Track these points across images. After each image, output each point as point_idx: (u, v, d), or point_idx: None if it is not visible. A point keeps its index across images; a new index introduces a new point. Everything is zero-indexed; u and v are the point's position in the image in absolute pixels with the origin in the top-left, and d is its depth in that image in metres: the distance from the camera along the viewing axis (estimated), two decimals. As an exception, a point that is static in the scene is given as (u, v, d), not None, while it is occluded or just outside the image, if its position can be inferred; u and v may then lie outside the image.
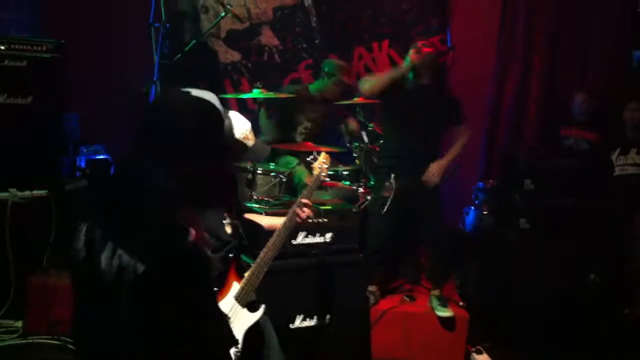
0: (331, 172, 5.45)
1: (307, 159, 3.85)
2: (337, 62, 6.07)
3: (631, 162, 5.53)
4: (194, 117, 2.01)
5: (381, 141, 5.53)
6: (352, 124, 5.84)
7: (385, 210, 4.85)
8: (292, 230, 3.54)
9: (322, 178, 3.74)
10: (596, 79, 6.64)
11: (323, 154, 3.81)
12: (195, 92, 2.06)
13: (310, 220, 3.67)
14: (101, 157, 6.48)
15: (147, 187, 1.92)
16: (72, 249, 1.94)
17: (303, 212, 3.46)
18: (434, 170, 4.87)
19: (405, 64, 4.96)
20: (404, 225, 5.13)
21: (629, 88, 6.39)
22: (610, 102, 6.32)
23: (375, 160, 5.49)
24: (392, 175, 4.92)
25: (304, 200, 3.48)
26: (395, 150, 5.08)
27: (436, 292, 4.96)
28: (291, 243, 4.17)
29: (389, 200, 4.86)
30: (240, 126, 3.15)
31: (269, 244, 3.31)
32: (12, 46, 5.19)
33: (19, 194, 5.08)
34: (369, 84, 5.04)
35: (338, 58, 6.36)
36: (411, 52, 4.92)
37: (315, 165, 3.73)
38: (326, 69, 5.96)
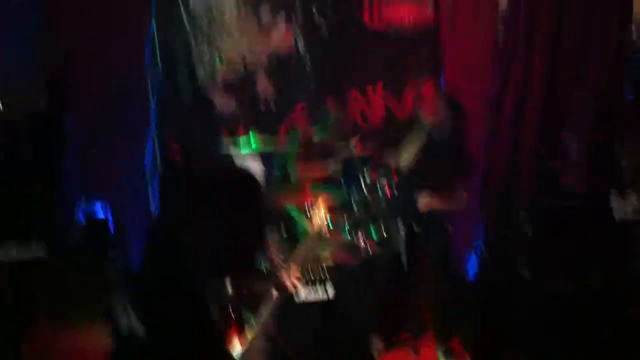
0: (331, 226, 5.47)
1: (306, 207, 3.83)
2: (333, 114, 6.16)
3: (630, 206, 5.53)
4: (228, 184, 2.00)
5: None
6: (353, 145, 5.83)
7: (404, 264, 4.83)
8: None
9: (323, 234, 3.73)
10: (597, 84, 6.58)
11: (320, 200, 3.80)
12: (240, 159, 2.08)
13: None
14: (99, 208, 6.43)
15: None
16: None
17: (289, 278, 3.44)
18: (424, 202, 4.83)
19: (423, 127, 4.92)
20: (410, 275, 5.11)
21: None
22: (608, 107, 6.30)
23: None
24: (400, 219, 4.91)
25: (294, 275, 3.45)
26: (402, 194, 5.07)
27: (441, 346, 4.93)
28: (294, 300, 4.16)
29: (402, 248, 4.85)
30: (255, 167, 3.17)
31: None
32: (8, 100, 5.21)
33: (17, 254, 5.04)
34: (405, 160, 5.03)
35: (333, 101, 6.37)
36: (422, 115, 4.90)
37: (313, 219, 3.73)
38: (324, 119, 6.01)
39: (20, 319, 5.05)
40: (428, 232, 4.89)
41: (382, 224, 5.54)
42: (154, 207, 6.76)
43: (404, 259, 4.90)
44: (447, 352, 4.88)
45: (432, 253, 4.92)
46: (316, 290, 4.34)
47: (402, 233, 4.94)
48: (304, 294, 4.26)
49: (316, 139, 6.02)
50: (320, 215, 3.76)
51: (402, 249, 4.92)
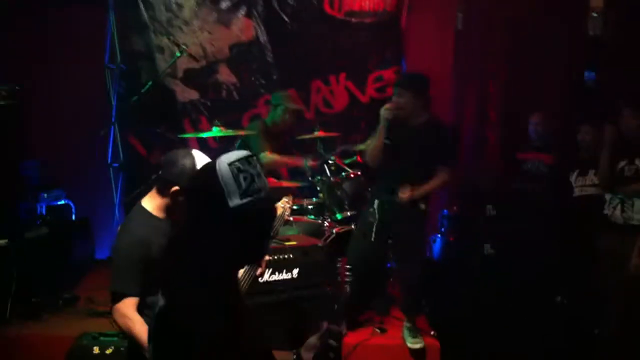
0: (296, 207, 5.46)
1: None
2: (283, 93, 6.11)
3: (590, 182, 5.61)
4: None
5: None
6: (310, 163, 5.81)
7: (373, 236, 4.81)
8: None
9: (285, 218, 3.72)
10: (551, 102, 6.76)
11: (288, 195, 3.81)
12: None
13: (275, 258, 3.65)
14: (62, 202, 6.39)
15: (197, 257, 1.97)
16: None
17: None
18: (405, 193, 4.82)
19: (381, 120, 4.89)
20: (380, 253, 5.11)
21: (582, 109, 6.52)
22: (564, 124, 6.43)
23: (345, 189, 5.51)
24: (376, 202, 4.89)
25: None
26: (380, 179, 5.04)
27: (408, 323, 4.94)
28: (258, 281, 4.12)
29: (374, 226, 4.83)
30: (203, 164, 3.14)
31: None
32: (-33, 95, 5.13)
33: (-22, 244, 4.98)
34: (369, 157, 5.01)
35: (296, 92, 6.35)
36: (382, 111, 4.87)
37: (278, 204, 3.71)
38: (274, 102, 6.02)
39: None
40: (403, 211, 4.86)
41: (347, 207, 5.56)
42: (116, 199, 6.73)
43: (372, 238, 4.86)
44: (413, 330, 4.87)
45: (407, 232, 4.89)
46: (281, 271, 4.32)
47: (374, 215, 4.91)
48: (268, 274, 4.23)
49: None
50: (283, 202, 3.76)
51: (372, 229, 4.89)
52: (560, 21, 6.78)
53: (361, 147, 5.38)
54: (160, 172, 3.15)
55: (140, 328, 2.91)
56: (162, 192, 3.15)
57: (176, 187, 3.07)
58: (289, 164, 6.04)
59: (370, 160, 5.01)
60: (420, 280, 4.96)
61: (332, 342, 3.38)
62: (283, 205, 3.72)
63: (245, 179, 1.97)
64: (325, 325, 2.46)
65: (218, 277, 2.03)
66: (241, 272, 3.30)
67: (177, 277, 2.00)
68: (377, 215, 4.86)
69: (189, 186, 2.09)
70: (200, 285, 1.96)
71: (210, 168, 2.01)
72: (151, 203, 3.18)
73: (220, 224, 1.97)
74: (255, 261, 2.68)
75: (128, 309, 3.00)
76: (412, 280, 4.95)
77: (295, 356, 2.60)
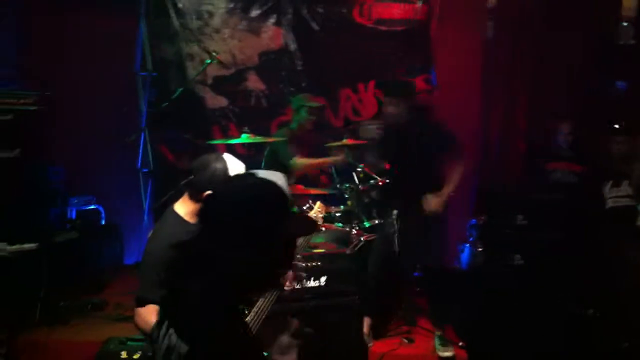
0: (324, 215, 5.44)
1: (303, 207, 3.81)
2: (300, 95, 6.14)
3: (624, 194, 5.53)
4: (256, 202, 1.98)
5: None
6: (335, 157, 5.80)
7: (396, 248, 4.78)
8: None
9: (317, 227, 3.69)
10: (580, 111, 6.68)
11: (318, 203, 3.78)
12: (262, 173, 2.04)
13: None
14: (92, 207, 6.45)
15: (208, 271, 1.93)
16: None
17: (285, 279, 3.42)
18: (432, 201, 4.82)
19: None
20: (403, 263, 5.08)
21: (612, 119, 6.44)
22: (594, 134, 6.35)
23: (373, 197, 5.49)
24: (395, 212, 4.87)
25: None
26: (393, 188, 5.03)
27: (438, 332, 4.90)
28: (284, 289, 4.10)
29: (395, 236, 4.80)
30: (235, 169, 3.14)
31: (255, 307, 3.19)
32: (-2, 100, 5.18)
33: (9, 247, 5.01)
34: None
35: (325, 100, 6.35)
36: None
37: (311, 213, 3.69)
38: (294, 106, 6.01)
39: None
40: (426, 223, 4.85)
41: (374, 215, 5.54)
42: (145, 205, 6.76)
43: (396, 248, 4.84)
44: (444, 339, 4.83)
45: (426, 240, 4.88)
46: (309, 278, 4.30)
47: (393, 225, 4.89)
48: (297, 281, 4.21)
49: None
50: (315, 208, 3.74)
51: (396, 238, 4.87)
52: (590, 30, 6.72)
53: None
54: (191, 177, 3.16)
55: None
56: (194, 197, 3.16)
57: (208, 192, 3.07)
58: (319, 164, 6.02)
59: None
60: (446, 289, 4.93)
61: (307, 329, 3.31)
62: (315, 215, 3.70)
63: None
64: (295, 322, 2.41)
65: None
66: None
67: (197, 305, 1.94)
68: (396, 226, 4.84)
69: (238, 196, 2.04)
70: (223, 315, 1.94)
71: (271, 183, 2.01)
72: (183, 208, 3.19)
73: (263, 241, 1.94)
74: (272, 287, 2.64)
75: (150, 315, 2.99)
76: (438, 288, 4.93)
77: None
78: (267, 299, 3.19)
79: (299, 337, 2.45)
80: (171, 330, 1.94)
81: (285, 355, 2.38)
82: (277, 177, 2.04)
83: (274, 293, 3.22)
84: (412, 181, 4.93)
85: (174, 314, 1.98)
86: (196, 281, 1.93)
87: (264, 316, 3.13)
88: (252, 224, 1.93)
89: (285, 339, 2.46)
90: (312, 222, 3.10)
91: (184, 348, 1.89)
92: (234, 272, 1.93)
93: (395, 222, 4.86)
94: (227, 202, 2.02)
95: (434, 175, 4.96)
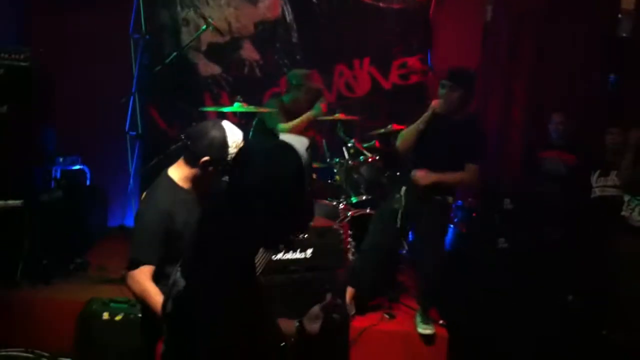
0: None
1: None
2: (302, 71, 5.99)
3: (611, 183, 5.56)
4: (276, 167, 2.00)
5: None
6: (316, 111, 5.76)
7: (399, 222, 4.76)
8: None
9: None
10: (575, 103, 6.70)
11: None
12: (287, 138, 2.07)
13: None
14: (77, 167, 6.40)
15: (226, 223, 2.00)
16: None
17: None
18: (421, 175, 4.80)
19: (429, 110, 4.82)
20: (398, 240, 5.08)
21: (605, 111, 6.47)
22: (587, 125, 6.37)
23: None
24: (404, 188, 4.84)
25: None
26: (407, 168, 4.98)
27: (420, 310, 4.92)
28: (271, 259, 4.09)
29: (400, 212, 4.79)
30: (233, 136, 3.14)
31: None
32: (-11, 54, 5.11)
33: (-7, 203, 4.98)
34: (401, 141, 4.94)
35: (319, 74, 6.31)
36: (434, 101, 4.81)
37: None
38: (294, 82, 5.86)
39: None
40: (428, 202, 4.84)
41: (362, 190, 5.54)
42: (131, 168, 6.73)
43: (398, 224, 4.83)
44: (425, 317, 4.85)
45: (431, 223, 4.87)
46: (294, 250, 4.29)
47: (400, 202, 4.87)
48: (282, 252, 4.20)
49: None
50: None
51: (397, 215, 4.85)
52: (590, 21, 6.71)
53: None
54: (188, 143, 3.16)
55: (155, 298, 2.91)
56: (190, 163, 3.17)
57: (207, 158, 3.08)
58: (305, 124, 5.94)
59: (402, 145, 4.92)
60: (439, 272, 4.93)
61: (336, 316, 3.33)
62: None
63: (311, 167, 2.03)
64: (329, 297, 2.45)
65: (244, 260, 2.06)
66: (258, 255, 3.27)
67: (203, 257, 2.00)
68: (403, 202, 4.81)
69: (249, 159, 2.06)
70: (225, 270, 1.97)
71: (288, 149, 2.02)
72: (178, 173, 3.19)
73: (273, 205, 1.96)
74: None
75: (144, 276, 3.00)
76: (431, 271, 4.92)
77: (298, 324, 2.58)
78: (262, 256, 3.20)
79: (327, 311, 2.50)
80: (177, 268, 2.03)
81: (312, 324, 2.43)
82: (299, 144, 2.05)
83: (269, 254, 3.23)
84: (431, 166, 4.87)
85: (187, 256, 2.07)
86: (213, 235, 2.00)
87: (264, 264, 3.15)
88: (272, 187, 1.95)
89: (316, 309, 2.50)
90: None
91: (182, 283, 1.97)
92: (251, 230, 1.98)
93: (402, 199, 4.84)
94: (248, 165, 2.03)
95: (450, 167, 4.91)
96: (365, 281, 5.02)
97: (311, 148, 2.09)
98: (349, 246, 4.78)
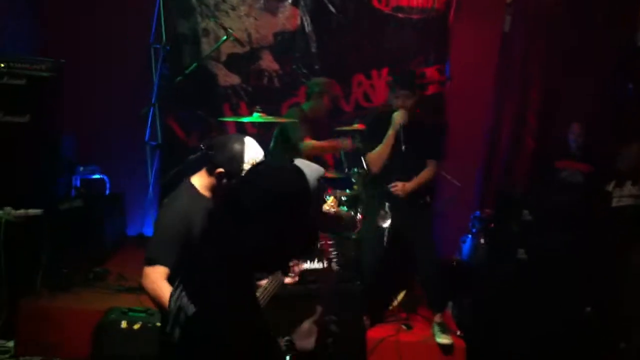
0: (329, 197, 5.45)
1: None
2: (323, 80, 6.06)
3: (627, 193, 5.54)
4: (278, 189, 2.02)
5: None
6: (345, 142, 5.81)
7: (386, 240, 4.79)
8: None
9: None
10: (592, 113, 6.67)
11: (332, 198, 3.80)
12: (299, 162, 2.10)
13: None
14: (97, 176, 6.46)
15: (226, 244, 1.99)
16: None
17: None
18: (399, 187, 4.91)
19: (392, 126, 4.91)
20: (395, 254, 5.09)
21: (622, 121, 6.44)
22: (603, 135, 6.35)
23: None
24: (387, 204, 4.88)
25: None
26: (382, 180, 5.05)
27: (438, 318, 4.92)
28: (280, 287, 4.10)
29: (387, 229, 4.81)
30: (252, 153, 3.17)
31: (262, 288, 3.23)
32: (12, 64, 5.18)
33: (13, 212, 5.03)
34: (373, 163, 5.04)
35: (337, 84, 6.32)
36: (396, 116, 4.89)
37: (324, 207, 3.72)
38: (315, 90, 5.92)
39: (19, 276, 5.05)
40: (410, 208, 4.92)
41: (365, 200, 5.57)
42: (151, 178, 6.78)
43: (385, 243, 4.88)
44: (443, 326, 4.85)
45: (419, 228, 4.94)
46: (312, 260, 4.31)
47: (383, 212, 4.94)
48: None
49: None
50: (328, 202, 3.77)
51: (384, 233, 4.90)
52: (608, 31, 6.68)
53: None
54: (210, 153, 3.20)
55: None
56: (210, 172, 3.21)
57: (221, 170, 3.12)
58: (327, 148, 6.01)
59: (376, 166, 5.05)
60: (440, 273, 4.97)
61: (333, 327, 3.34)
62: (328, 209, 3.72)
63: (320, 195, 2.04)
64: (319, 309, 2.42)
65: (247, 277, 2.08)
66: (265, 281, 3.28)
67: (206, 280, 2.01)
68: (389, 219, 4.87)
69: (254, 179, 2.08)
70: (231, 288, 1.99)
71: (296, 171, 2.04)
72: (200, 181, 3.25)
73: (276, 225, 1.98)
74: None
75: (158, 275, 3.02)
76: (432, 274, 4.96)
77: (286, 343, 2.54)
78: (273, 282, 3.22)
79: (320, 325, 2.47)
80: (183, 293, 2.00)
81: (304, 340, 2.39)
82: (310, 170, 2.06)
83: (280, 277, 3.24)
84: (402, 173, 4.97)
85: (188, 278, 2.05)
86: (212, 250, 1.99)
87: (268, 298, 3.16)
88: (270, 208, 1.97)
89: (306, 324, 2.47)
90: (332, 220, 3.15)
91: (191, 309, 1.94)
92: (247, 248, 1.97)
93: (387, 215, 4.87)
94: (252, 183, 2.06)
95: (418, 167, 5.03)
96: (373, 295, 5.06)
97: (323, 179, 2.09)
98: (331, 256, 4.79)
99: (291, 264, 3.30)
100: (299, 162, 2.08)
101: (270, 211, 1.96)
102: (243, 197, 1.99)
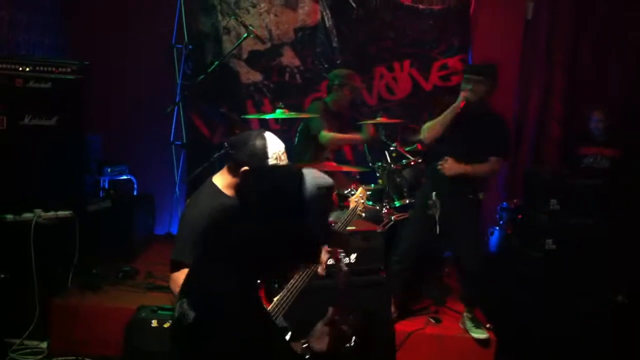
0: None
1: (345, 192, 3.79)
2: (343, 71, 6.05)
3: None
4: (276, 194, 2.04)
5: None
6: (367, 135, 5.79)
7: (438, 229, 4.72)
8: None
9: (358, 213, 3.69)
10: (616, 97, 6.60)
11: (361, 189, 3.78)
12: (306, 172, 2.11)
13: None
14: (125, 177, 6.52)
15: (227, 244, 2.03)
16: None
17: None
18: (449, 164, 4.79)
19: (457, 101, 4.79)
20: (434, 243, 5.06)
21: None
22: (627, 120, 6.29)
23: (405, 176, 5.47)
24: (434, 193, 4.81)
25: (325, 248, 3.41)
26: (435, 168, 4.95)
27: (469, 314, 4.89)
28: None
29: (437, 217, 4.74)
30: (274, 147, 3.17)
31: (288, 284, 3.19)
32: (37, 68, 5.21)
33: (43, 214, 5.10)
34: (427, 131, 4.90)
35: (360, 77, 6.31)
36: (462, 92, 4.79)
37: (352, 198, 3.70)
38: (336, 82, 5.92)
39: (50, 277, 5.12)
40: (460, 201, 4.81)
41: (406, 194, 5.53)
42: (177, 177, 6.83)
43: (437, 231, 4.79)
44: (476, 320, 4.82)
45: (466, 222, 4.85)
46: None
47: (432, 202, 4.83)
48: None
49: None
50: (357, 193, 3.75)
51: (435, 220, 4.81)
52: (633, 15, 6.59)
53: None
54: (231, 151, 3.20)
55: None
56: (232, 171, 3.21)
57: (246, 168, 3.11)
58: (348, 140, 6.01)
59: (429, 135, 4.88)
60: (482, 271, 4.90)
61: (345, 327, 3.30)
62: (357, 200, 3.70)
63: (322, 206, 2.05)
64: (331, 310, 2.38)
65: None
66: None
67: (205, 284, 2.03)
68: (438, 206, 4.77)
69: (265, 182, 2.10)
70: (236, 290, 2.00)
71: (295, 173, 2.05)
72: (222, 180, 3.24)
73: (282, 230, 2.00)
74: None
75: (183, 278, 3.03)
76: (473, 271, 4.89)
77: (304, 345, 2.52)
78: (301, 277, 3.20)
79: (332, 326, 2.46)
80: (184, 300, 2.02)
81: (318, 342, 2.38)
82: (311, 177, 2.06)
83: (309, 272, 3.23)
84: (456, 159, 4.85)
85: (190, 285, 2.09)
86: (214, 255, 2.04)
87: (297, 293, 3.14)
88: (269, 212, 1.99)
89: (319, 326, 2.47)
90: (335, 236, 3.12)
91: (191, 315, 1.96)
92: (247, 252, 2.01)
93: (436, 203, 4.79)
94: (256, 186, 2.08)
95: (475, 160, 4.88)
96: (401, 287, 5.04)
97: (329, 190, 2.09)
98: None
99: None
100: (306, 170, 2.09)
101: (260, 207, 1.99)
102: (241, 193, 2.02)
